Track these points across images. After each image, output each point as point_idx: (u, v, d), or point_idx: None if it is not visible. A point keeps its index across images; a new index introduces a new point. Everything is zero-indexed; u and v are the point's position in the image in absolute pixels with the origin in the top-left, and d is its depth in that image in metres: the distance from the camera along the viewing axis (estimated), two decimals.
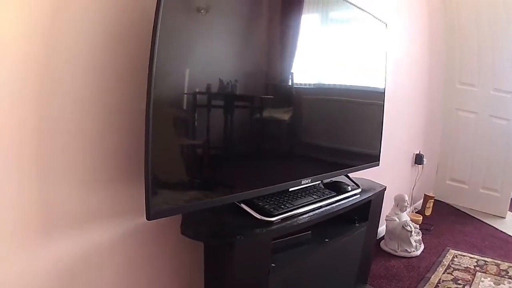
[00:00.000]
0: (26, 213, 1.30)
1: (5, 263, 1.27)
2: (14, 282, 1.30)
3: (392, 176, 3.83)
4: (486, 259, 3.31)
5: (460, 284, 2.87)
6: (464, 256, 3.38)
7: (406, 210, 3.52)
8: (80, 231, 1.47)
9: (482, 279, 2.94)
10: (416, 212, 4.41)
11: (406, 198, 3.48)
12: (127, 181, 1.59)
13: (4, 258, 1.27)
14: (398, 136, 3.89)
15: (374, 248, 2.84)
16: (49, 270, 1.39)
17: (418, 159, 4.41)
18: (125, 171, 1.57)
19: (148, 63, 1.27)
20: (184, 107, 1.46)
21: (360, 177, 2.59)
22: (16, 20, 1.20)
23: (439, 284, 2.86)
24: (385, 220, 3.52)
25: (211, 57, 1.53)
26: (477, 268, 3.13)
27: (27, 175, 1.29)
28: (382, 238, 3.63)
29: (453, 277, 2.99)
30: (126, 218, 1.62)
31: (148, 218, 1.34)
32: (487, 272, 3.07)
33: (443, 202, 4.90)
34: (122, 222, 1.61)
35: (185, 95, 1.44)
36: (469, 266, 3.18)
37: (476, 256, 3.37)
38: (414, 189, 4.46)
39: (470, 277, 2.97)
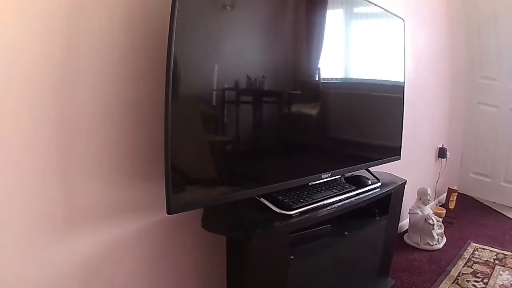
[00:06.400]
0: (52, 207, 1.36)
1: (32, 254, 1.33)
2: (39, 272, 1.36)
3: (416, 170, 3.85)
4: (505, 252, 3.32)
5: (479, 277, 2.89)
6: (484, 249, 3.40)
7: (428, 203, 3.54)
8: (104, 225, 1.53)
9: (501, 272, 2.97)
10: (440, 206, 4.40)
11: (429, 191, 3.50)
12: (150, 177, 1.63)
13: (31, 249, 1.33)
14: (421, 130, 3.91)
15: (396, 241, 2.88)
16: (73, 262, 1.45)
17: (442, 153, 4.41)
18: (148, 166, 1.61)
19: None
20: (204, 101, 1.51)
21: (383, 171, 2.63)
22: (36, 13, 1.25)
23: (458, 278, 2.89)
24: (408, 213, 3.55)
25: (229, 51, 1.57)
26: (496, 262, 3.15)
27: (53, 171, 1.35)
28: (406, 231, 3.66)
29: (472, 270, 3.01)
30: (149, 212, 1.67)
31: (168, 212, 1.38)
32: (506, 265, 3.08)
33: (467, 195, 4.87)
34: (144, 216, 1.66)
35: (205, 89, 1.49)
36: (488, 259, 3.20)
37: (496, 250, 3.38)
38: (438, 182, 4.46)
39: (489, 271, 2.99)
